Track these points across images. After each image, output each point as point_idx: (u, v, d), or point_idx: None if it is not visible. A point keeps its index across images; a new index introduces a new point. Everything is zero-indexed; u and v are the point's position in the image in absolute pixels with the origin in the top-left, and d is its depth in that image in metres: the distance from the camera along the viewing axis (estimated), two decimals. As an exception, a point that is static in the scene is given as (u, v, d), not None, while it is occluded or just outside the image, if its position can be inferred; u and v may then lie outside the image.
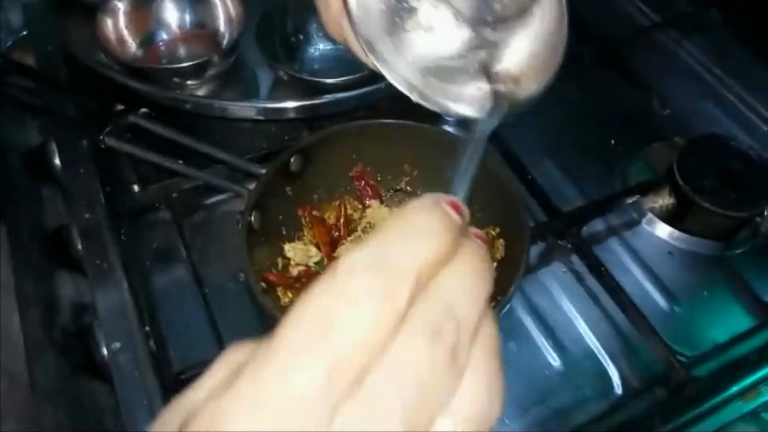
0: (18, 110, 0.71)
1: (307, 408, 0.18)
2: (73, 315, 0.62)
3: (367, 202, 0.60)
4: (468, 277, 0.21)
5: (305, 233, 0.58)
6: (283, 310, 0.52)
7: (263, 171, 0.55)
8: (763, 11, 0.84)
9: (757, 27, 0.86)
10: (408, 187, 0.61)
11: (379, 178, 0.61)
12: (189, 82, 0.69)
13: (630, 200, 0.68)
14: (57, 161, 0.69)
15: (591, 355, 0.59)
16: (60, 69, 0.74)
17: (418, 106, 0.71)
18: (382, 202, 0.61)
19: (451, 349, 0.20)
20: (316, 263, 0.57)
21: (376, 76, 0.70)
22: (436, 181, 0.59)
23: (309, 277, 0.55)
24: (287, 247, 0.56)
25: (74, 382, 0.53)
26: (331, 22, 0.43)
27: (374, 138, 0.58)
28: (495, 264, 0.55)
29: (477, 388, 0.20)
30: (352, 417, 0.18)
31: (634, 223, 0.68)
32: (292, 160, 0.55)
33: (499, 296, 0.51)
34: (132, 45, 0.72)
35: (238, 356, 0.21)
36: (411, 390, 0.19)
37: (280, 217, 0.57)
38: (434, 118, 0.74)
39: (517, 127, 0.73)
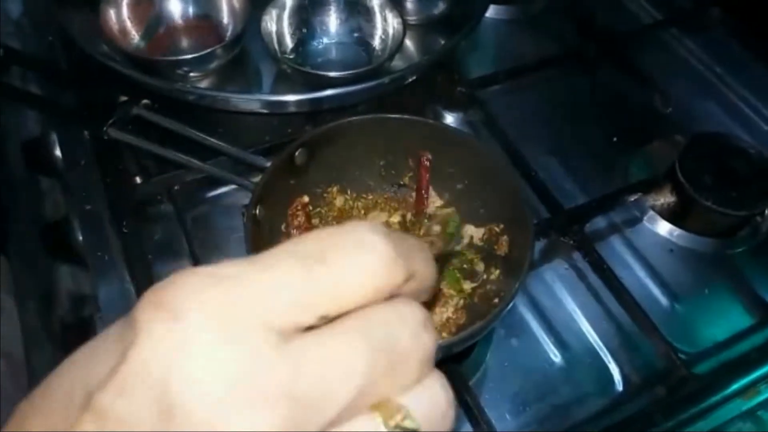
0: (18, 101, 0.71)
1: (254, 329, 0.18)
2: (72, 307, 0.62)
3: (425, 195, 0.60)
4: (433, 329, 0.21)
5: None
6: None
7: (267, 164, 0.55)
8: (764, 10, 0.84)
9: (758, 26, 0.86)
10: (412, 183, 0.61)
11: (382, 173, 0.61)
12: (192, 74, 0.69)
13: (632, 198, 0.68)
14: (58, 152, 0.69)
15: (592, 351, 0.59)
16: (61, 59, 0.74)
17: (422, 102, 0.72)
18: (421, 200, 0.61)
19: (424, 350, 0.20)
20: None
21: (380, 71, 0.70)
22: (438, 177, 0.59)
23: None
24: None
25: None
26: None
27: (378, 133, 0.58)
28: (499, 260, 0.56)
29: (433, 397, 0.20)
30: (307, 348, 0.18)
31: (635, 221, 0.68)
32: (297, 153, 0.54)
33: (502, 292, 0.51)
34: (135, 36, 0.71)
35: None
36: (383, 354, 0.19)
37: (285, 210, 0.57)
38: (437, 117, 0.74)
39: (520, 124, 0.74)
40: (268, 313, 0.18)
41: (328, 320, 0.19)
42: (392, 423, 0.19)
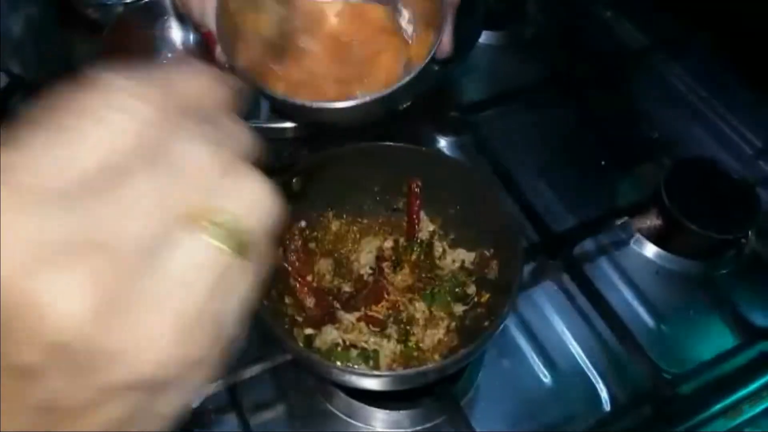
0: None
1: (31, 194, 0.18)
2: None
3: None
4: (239, 128, 0.23)
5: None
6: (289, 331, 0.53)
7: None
8: (751, 36, 0.86)
9: (744, 51, 0.88)
10: (406, 207, 0.62)
11: (377, 198, 0.62)
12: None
13: (619, 221, 0.70)
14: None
15: (580, 372, 0.61)
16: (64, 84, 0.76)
17: (415, 129, 0.73)
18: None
19: (220, 151, 0.21)
20: None
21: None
22: (431, 202, 0.61)
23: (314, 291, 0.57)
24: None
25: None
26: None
27: (373, 159, 0.60)
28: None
29: (245, 188, 0.21)
30: (94, 197, 0.18)
31: (622, 243, 0.70)
32: (294, 180, 0.56)
33: (493, 315, 0.53)
34: (137, 63, 0.73)
35: None
36: (170, 172, 0.19)
37: (281, 234, 0.58)
38: (431, 141, 0.76)
39: (511, 148, 0.76)
40: (38, 180, 0.18)
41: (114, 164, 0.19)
42: (209, 226, 0.20)
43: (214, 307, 0.20)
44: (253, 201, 0.21)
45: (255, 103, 0.75)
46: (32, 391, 0.18)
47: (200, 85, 0.23)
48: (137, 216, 0.19)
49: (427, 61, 0.50)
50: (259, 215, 0.22)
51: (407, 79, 0.49)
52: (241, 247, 0.21)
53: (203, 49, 0.75)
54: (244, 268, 0.21)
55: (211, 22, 0.51)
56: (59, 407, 0.19)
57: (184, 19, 0.73)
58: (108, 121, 0.19)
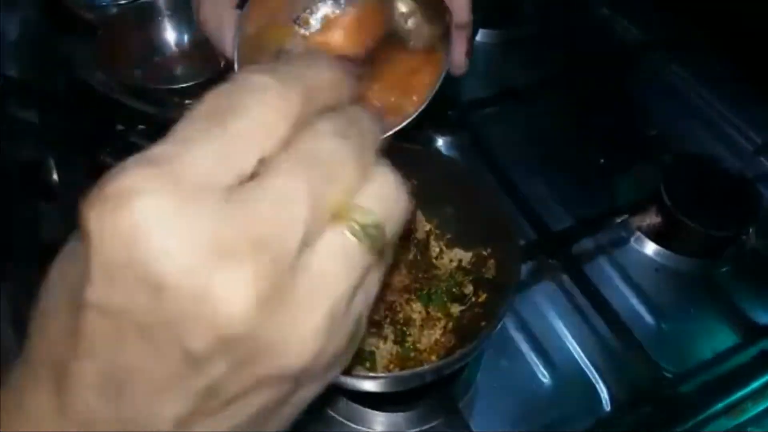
0: (16, 126, 0.72)
1: (199, 191, 0.19)
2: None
3: None
4: (369, 120, 0.23)
5: None
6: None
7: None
8: (750, 33, 0.86)
9: (741, 48, 0.88)
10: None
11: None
12: (188, 102, 0.70)
13: (618, 219, 0.69)
14: (55, 177, 0.70)
15: (580, 371, 0.61)
16: (59, 86, 0.75)
17: (411, 127, 0.72)
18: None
19: (358, 148, 0.21)
20: None
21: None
22: (429, 201, 0.61)
23: None
24: None
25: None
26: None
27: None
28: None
29: (382, 186, 0.22)
30: (252, 195, 0.19)
31: (622, 242, 0.70)
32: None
33: (490, 315, 0.52)
34: (131, 64, 0.73)
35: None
36: (317, 171, 0.20)
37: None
38: (427, 139, 0.76)
39: (509, 146, 0.75)
40: (204, 177, 0.19)
41: (264, 162, 0.20)
42: (355, 226, 0.21)
43: (355, 304, 0.22)
44: (389, 200, 0.22)
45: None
46: (198, 377, 0.19)
47: (331, 78, 0.23)
48: (290, 213, 0.19)
49: (437, 86, 0.49)
50: (395, 214, 0.22)
51: (421, 107, 0.49)
52: (379, 245, 0.21)
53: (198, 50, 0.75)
54: (379, 267, 0.23)
55: (228, 50, 0.49)
56: (219, 394, 0.20)
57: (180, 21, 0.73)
58: (261, 119, 0.20)
